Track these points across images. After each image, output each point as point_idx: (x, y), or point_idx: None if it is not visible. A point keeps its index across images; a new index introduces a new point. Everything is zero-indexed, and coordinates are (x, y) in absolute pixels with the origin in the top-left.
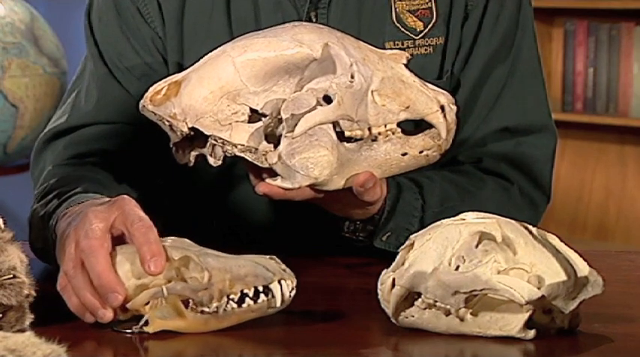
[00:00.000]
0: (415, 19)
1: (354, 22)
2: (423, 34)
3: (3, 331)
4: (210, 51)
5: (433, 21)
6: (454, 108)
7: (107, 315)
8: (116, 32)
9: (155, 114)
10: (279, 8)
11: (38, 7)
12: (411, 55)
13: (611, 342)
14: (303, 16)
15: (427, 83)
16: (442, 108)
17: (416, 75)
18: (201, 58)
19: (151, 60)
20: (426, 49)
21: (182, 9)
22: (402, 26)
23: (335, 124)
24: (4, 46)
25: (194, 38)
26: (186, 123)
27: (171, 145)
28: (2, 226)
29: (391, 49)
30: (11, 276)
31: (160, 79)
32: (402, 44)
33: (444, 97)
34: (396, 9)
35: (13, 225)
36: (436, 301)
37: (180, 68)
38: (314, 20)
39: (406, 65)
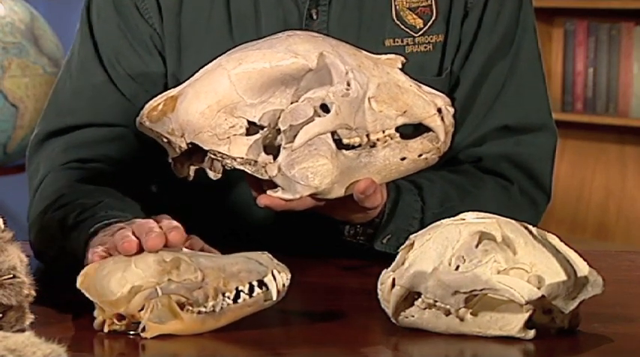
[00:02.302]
0: (415, 16)
1: (354, 19)
2: (422, 31)
3: (3, 330)
4: (210, 47)
5: (433, 18)
6: (451, 110)
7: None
8: (114, 30)
9: (152, 131)
10: (279, 4)
11: (38, 6)
12: (411, 52)
13: (611, 342)
14: (303, 13)
15: (423, 86)
16: (439, 111)
17: (414, 74)
18: (200, 54)
19: (149, 58)
20: (425, 47)
21: (180, 4)
22: (402, 23)
23: (333, 132)
24: (4, 45)
25: (193, 34)
26: (184, 138)
27: (169, 160)
28: (2, 226)
29: (391, 46)
30: (11, 276)
31: (157, 79)
32: (402, 41)
33: (441, 100)
34: (396, 6)
35: (13, 225)
36: (436, 301)
37: (179, 65)
38: (315, 17)
39: (402, 69)
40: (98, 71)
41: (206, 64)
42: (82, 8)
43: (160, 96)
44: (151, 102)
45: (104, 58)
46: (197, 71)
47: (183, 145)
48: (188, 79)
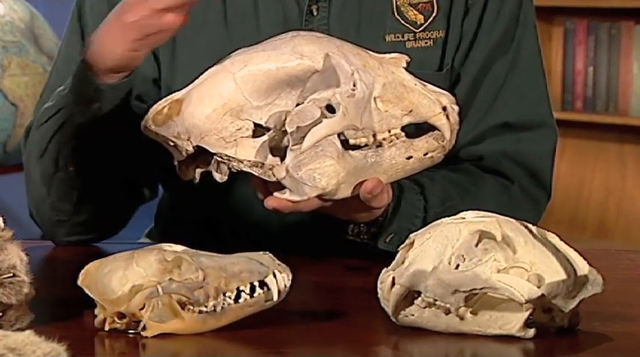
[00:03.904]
0: (416, 12)
1: (354, 15)
2: (423, 27)
3: (3, 329)
4: (205, 42)
5: (434, 14)
6: (456, 108)
7: None
8: None
9: (158, 135)
10: (279, 1)
11: (38, 5)
12: (411, 47)
13: (611, 341)
14: (304, 9)
15: (428, 84)
16: (444, 109)
17: (415, 70)
18: (195, 49)
19: None
20: (426, 43)
21: None
22: (403, 19)
23: (340, 133)
24: (4, 44)
25: (189, 29)
26: (190, 142)
27: (175, 163)
28: (2, 224)
29: (391, 41)
30: (11, 275)
31: (146, 75)
32: (403, 37)
33: (446, 98)
34: (396, 2)
35: (13, 224)
36: (436, 300)
37: (173, 60)
38: (315, 13)
39: (406, 68)
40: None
41: (201, 61)
42: (74, 4)
43: (164, 99)
44: (155, 106)
45: None
46: (192, 67)
47: (190, 149)
48: (181, 75)
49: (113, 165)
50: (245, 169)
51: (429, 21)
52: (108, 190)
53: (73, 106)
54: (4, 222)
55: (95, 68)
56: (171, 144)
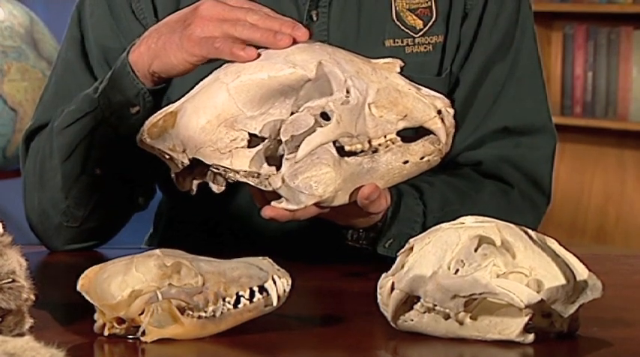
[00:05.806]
0: (415, 17)
1: (354, 21)
2: (422, 32)
3: (2, 335)
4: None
5: (433, 19)
6: (451, 111)
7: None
8: (106, 30)
9: (154, 148)
10: (278, 6)
11: (37, 10)
12: (411, 52)
13: (610, 346)
14: (303, 15)
15: (422, 88)
16: (439, 112)
17: (414, 74)
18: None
19: None
20: (425, 47)
21: (177, 4)
22: (402, 24)
23: (334, 140)
24: (4, 49)
25: None
26: (186, 154)
27: (172, 175)
28: (1, 230)
29: (391, 46)
30: (10, 280)
31: None
32: (402, 42)
33: (441, 102)
34: (396, 7)
35: (13, 229)
36: (435, 305)
37: None
38: (315, 19)
39: (400, 73)
40: (83, 71)
41: (198, 71)
42: (73, 8)
43: (159, 112)
44: (150, 118)
45: (93, 58)
46: (188, 77)
47: (186, 161)
48: (179, 85)
49: (133, 170)
50: (241, 180)
51: (428, 26)
52: (118, 197)
53: (107, 109)
54: (4, 227)
55: (135, 70)
56: (167, 157)
